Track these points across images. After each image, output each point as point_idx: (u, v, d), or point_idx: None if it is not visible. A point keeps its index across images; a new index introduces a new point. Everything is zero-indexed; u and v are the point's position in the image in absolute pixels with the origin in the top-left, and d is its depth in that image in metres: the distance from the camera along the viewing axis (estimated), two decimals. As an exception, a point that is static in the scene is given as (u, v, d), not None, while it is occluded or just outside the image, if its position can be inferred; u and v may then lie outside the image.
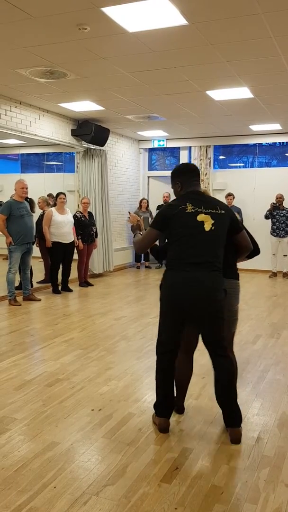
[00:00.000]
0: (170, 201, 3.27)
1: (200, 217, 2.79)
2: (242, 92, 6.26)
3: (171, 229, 2.83)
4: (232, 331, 3.18)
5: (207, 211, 2.81)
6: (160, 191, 10.70)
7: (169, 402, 2.95)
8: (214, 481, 2.40)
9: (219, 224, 2.82)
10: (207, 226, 2.78)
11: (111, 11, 3.76)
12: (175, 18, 3.88)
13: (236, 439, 2.80)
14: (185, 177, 2.99)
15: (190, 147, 10.51)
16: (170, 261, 2.88)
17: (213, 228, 2.78)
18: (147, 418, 3.12)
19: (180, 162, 10.75)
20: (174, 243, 2.83)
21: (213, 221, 2.79)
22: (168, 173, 11.45)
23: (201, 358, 4.31)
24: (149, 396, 3.48)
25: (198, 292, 2.74)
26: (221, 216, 2.84)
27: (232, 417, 2.84)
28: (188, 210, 2.79)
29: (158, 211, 3.19)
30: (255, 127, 8.93)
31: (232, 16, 3.84)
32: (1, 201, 7.22)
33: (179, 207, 2.81)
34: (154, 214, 10.36)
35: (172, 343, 2.90)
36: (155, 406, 2.99)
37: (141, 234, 3.18)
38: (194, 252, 2.76)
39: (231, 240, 2.98)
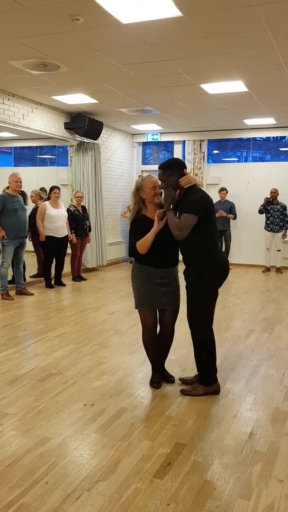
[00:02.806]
0: (195, 188, 3.31)
1: None
2: (237, 86, 6.22)
3: (209, 217, 3.21)
4: None
5: None
6: (154, 185, 10.65)
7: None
8: (206, 477, 2.40)
9: None
10: None
11: (105, 2, 3.71)
12: (169, 10, 3.83)
13: None
14: (180, 170, 3.30)
15: (184, 141, 10.47)
16: (209, 246, 3.24)
17: None
18: (139, 413, 3.11)
19: (174, 157, 10.71)
20: (211, 231, 3.25)
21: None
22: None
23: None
24: (142, 391, 3.47)
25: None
26: None
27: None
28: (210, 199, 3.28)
29: (190, 199, 3.18)
30: (250, 121, 8.90)
31: (227, 8, 3.80)
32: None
33: (209, 197, 3.27)
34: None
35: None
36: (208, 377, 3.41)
37: (171, 208, 3.23)
38: (217, 238, 3.38)
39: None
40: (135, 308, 3.49)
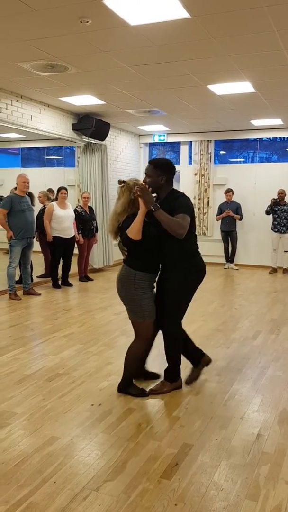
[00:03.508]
0: (178, 191, 3.40)
1: None
2: (244, 87, 6.21)
3: (192, 219, 3.26)
4: None
5: None
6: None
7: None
8: (214, 478, 2.40)
9: None
10: None
11: (113, 4, 3.72)
12: (177, 11, 3.84)
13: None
14: (172, 175, 3.35)
15: (191, 141, 10.46)
16: (193, 248, 3.36)
17: None
18: (147, 413, 3.12)
19: (181, 157, 10.72)
20: (192, 234, 3.28)
21: None
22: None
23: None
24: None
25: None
26: None
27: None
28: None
29: (181, 200, 3.23)
30: (256, 122, 8.88)
31: (235, 9, 3.80)
32: (2, 196, 7.20)
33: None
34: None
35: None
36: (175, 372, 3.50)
37: (159, 207, 3.10)
38: (196, 239, 3.46)
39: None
40: (143, 321, 3.26)
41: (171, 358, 3.47)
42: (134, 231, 3.09)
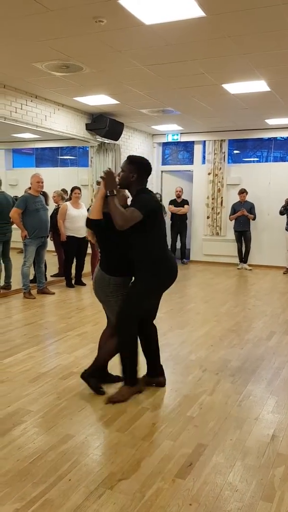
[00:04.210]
0: (147, 190, 3.29)
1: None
2: (259, 85, 6.18)
3: (154, 221, 3.16)
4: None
5: None
6: (173, 185, 10.66)
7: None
8: (228, 478, 2.39)
9: None
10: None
11: (128, 3, 3.73)
12: (192, 10, 3.83)
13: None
14: (145, 173, 3.29)
15: (204, 141, 10.43)
16: (157, 251, 3.22)
17: None
18: (160, 413, 3.12)
19: (195, 157, 10.69)
20: (157, 236, 3.21)
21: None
22: (182, 167, 11.38)
23: (213, 355, 4.31)
24: (163, 391, 3.47)
25: (176, 273, 3.35)
26: None
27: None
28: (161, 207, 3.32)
29: (141, 196, 3.18)
30: (271, 121, 8.82)
31: (250, 8, 3.78)
32: (17, 196, 7.25)
33: (159, 202, 3.30)
34: (166, 209, 10.32)
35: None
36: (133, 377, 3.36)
37: (114, 194, 3.10)
38: (166, 243, 3.39)
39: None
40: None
41: (123, 365, 3.34)
42: (93, 211, 3.21)
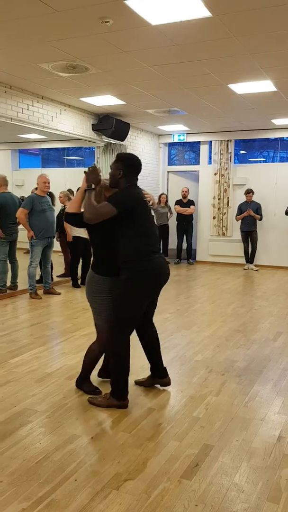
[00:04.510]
0: (126, 187, 3.13)
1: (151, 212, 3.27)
2: (265, 85, 6.16)
3: (133, 218, 3.02)
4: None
5: (150, 206, 3.26)
6: (179, 186, 10.65)
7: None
8: (235, 479, 2.38)
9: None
10: (153, 220, 3.28)
11: (135, 4, 3.73)
12: (199, 10, 3.83)
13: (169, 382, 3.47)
14: (132, 170, 3.17)
15: (211, 141, 10.42)
16: (137, 251, 3.03)
17: (155, 221, 3.30)
18: (166, 413, 3.11)
19: (201, 157, 10.67)
20: (137, 234, 3.04)
21: (153, 216, 3.35)
22: (188, 168, 11.35)
23: (219, 355, 4.30)
24: (169, 391, 3.47)
25: (164, 274, 3.19)
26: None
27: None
28: (147, 204, 3.17)
29: (120, 191, 3.08)
30: (277, 121, 8.79)
31: (256, 8, 3.77)
32: (23, 196, 7.28)
33: (144, 199, 3.12)
34: (172, 209, 10.32)
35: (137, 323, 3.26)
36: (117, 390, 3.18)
37: (93, 188, 3.06)
38: (153, 242, 3.16)
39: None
40: (104, 324, 3.26)
41: (111, 370, 3.23)
42: (71, 205, 3.20)
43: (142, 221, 3.07)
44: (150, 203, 3.24)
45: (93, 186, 3.05)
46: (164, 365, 3.53)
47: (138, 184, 3.24)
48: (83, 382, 3.43)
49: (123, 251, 3.03)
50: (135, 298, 3.08)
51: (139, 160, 3.25)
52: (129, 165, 3.15)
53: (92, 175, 3.10)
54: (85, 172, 3.13)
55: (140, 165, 3.23)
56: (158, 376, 3.51)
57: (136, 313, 3.14)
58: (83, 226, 3.18)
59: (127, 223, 3.00)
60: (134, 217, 3.02)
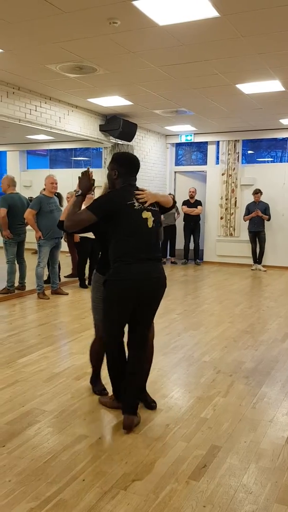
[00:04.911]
0: (111, 190, 2.99)
1: (144, 214, 2.86)
2: (273, 85, 6.14)
3: (116, 223, 2.82)
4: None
5: (148, 207, 2.89)
6: (187, 186, 10.64)
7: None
8: (243, 480, 2.38)
9: (156, 220, 2.94)
10: (150, 223, 2.88)
11: (142, 5, 3.73)
12: (206, 10, 3.82)
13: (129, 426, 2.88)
14: (127, 169, 2.99)
15: (218, 141, 10.39)
16: (118, 255, 2.83)
17: (153, 224, 2.89)
18: (174, 414, 3.11)
19: (208, 157, 10.65)
20: (120, 239, 2.82)
21: (153, 218, 2.90)
22: (196, 168, 11.33)
23: (227, 356, 4.29)
24: (176, 392, 3.47)
25: (149, 283, 2.85)
26: (157, 213, 2.97)
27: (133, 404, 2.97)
28: (135, 207, 2.85)
29: (100, 196, 2.95)
30: (286, 121, 8.75)
31: (264, 7, 3.76)
32: (31, 197, 7.31)
33: (128, 202, 2.84)
34: (180, 210, 10.31)
35: (119, 335, 3.00)
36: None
37: (80, 195, 2.94)
38: (141, 247, 2.83)
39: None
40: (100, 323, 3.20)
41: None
42: (64, 212, 3.15)
43: (127, 225, 2.82)
44: (147, 204, 2.86)
45: (79, 192, 2.95)
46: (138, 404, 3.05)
47: (148, 185, 3.18)
48: (95, 380, 3.46)
49: (109, 255, 2.91)
50: (108, 304, 2.90)
51: (135, 158, 3.08)
52: (123, 165, 2.98)
53: (83, 180, 2.97)
54: (78, 177, 3.03)
55: (136, 163, 3.05)
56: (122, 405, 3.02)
57: (111, 321, 2.92)
58: (78, 232, 3.19)
59: (113, 227, 2.85)
60: (118, 221, 2.82)
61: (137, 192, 2.90)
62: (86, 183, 2.97)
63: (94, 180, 3.00)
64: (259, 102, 7.17)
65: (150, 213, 2.88)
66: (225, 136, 10.14)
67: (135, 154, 9.21)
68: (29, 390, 3.45)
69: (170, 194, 10.28)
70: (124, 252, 2.81)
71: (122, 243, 2.82)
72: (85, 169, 3.04)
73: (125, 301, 2.84)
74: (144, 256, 2.83)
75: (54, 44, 4.67)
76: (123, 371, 2.99)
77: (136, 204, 2.85)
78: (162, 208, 3.03)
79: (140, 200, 2.87)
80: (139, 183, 3.04)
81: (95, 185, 3.06)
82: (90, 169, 3.02)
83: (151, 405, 3.18)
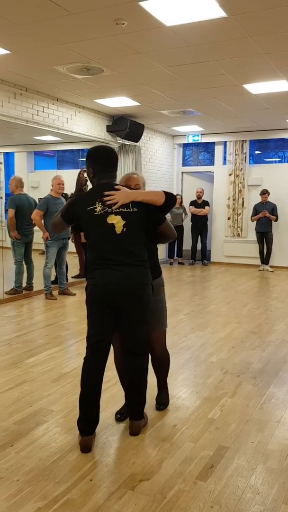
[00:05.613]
0: (78, 193, 2.81)
1: (110, 219, 2.59)
2: (281, 85, 6.12)
3: (82, 226, 2.72)
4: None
5: (118, 210, 2.59)
6: (194, 186, 10.63)
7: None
8: (250, 481, 2.37)
9: (131, 223, 2.61)
10: (118, 228, 2.59)
11: (149, 5, 3.74)
12: (214, 11, 3.82)
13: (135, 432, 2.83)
14: (102, 166, 2.72)
15: (225, 142, 10.37)
16: (89, 260, 2.70)
17: (124, 229, 2.59)
18: (181, 414, 3.11)
19: (215, 158, 10.63)
20: (90, 243, 2.68)
21: (124, 221, 2.59)
22: (203, 168, 11.33)
23: (234, 356, 4.28)
24: (183, 392, 3.47)
25: (115, 289, 2.61)
26: (134, 214, 2.62)
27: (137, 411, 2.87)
28: (97, 213, 2.59)
29: (69, 201, 2.80)
30: (293, 121, 8.73)
31: (271, 7, 3.75)
32: (40, 198, 7.33)
33: (88, 208, 2.60)
34: (187, 210, 10.30)
35: (105, 340, 2.70)
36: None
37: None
38: (108, 254, 2.61)
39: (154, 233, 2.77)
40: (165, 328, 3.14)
41: None
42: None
43: (91, 230, 2.64)
44: (116, 206, 2.58)
45: (69, 194, 2.93)
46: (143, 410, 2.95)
47: (155, 186, 3.11)
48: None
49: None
50: (87, 310, 2.73)
51: (110, 151, 2.79)
52: (97, 161, 2.72)
53: (76, 181, 2.83)
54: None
55: (112, 158, 2.76)
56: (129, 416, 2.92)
57: (89, 323, 2.72)
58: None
59: (84, 231, 2.76)
60: (83, 225, 2.69)
61: (106, 193, 2.60)
62: (77, 183, 2.82)
63: (86, 180, 2.82)
64: (266, 102, 7.15)
65: (119, 216, 2.58)
66: (232, 137, 10.11)
67: (142, 154, 9.25)
68: (37, 390, 3.47)
69: (177, 195, 10.31)
70: (95, 256, 2.65)
71: (92, 247, 2.66)
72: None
73: (96, 306, 2.66)
74: (110, 262, 2.60)
75: (61, 45, 4.69)
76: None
77: (99, 209, 2.58)
78: (159, 207, 2.68)
79: (108, 203, 2.58)
80: (146, 184, 2.95)
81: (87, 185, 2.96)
82: (84, 169, 2.84)
83: (159, 407, 3.18)
